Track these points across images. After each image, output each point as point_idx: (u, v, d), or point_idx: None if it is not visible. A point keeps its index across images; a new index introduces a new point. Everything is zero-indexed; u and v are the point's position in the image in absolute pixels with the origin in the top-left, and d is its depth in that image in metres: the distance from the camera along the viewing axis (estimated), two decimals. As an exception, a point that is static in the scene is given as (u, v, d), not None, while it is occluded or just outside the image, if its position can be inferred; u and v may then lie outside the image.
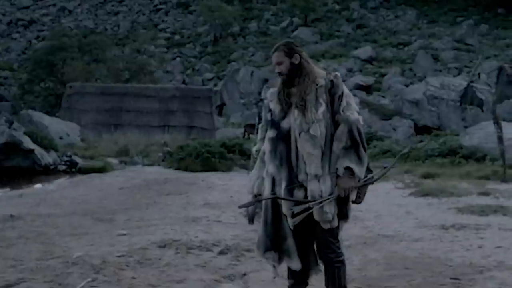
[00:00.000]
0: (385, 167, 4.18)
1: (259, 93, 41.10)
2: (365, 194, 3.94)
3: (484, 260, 5.65)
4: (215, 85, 45.62)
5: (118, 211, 9.36)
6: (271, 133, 3.91)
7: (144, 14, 72.39)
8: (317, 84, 3.82)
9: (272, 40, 57.25)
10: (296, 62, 3.85)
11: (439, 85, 31.67)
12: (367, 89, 40.32)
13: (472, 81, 31.83)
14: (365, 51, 50.13)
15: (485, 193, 11.25)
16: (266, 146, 3.95)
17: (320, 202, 3.68)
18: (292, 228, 3.82)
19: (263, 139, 4.04)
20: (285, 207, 3.80)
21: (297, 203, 3.73)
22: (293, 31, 59.42)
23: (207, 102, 30.91)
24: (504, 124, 16.51)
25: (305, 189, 3.78)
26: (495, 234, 7.02)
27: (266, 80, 41.87)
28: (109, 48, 48.94)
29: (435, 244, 6.49)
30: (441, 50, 49.22)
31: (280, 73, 3.91)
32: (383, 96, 38.72)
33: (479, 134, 20.22)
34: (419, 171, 16.34)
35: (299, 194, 3.78)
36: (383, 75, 44.24)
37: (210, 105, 31.04)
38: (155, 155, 21.30)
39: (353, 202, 3.89)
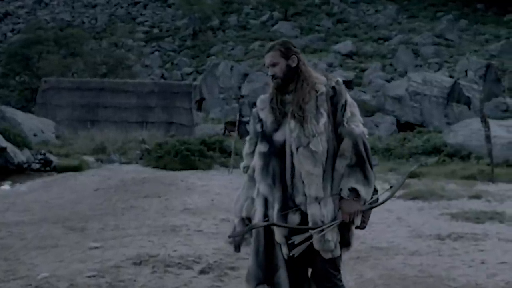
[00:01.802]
0: (391, 187, 3.67)
1: (239, 88, 40.58)
2: (369, 217, 3.43)
3: (490, 280, 5.16)
4: (194, 79, 45.02)
5: (92, 218, 8.77)
6: (262, 147, 3.32)
7: (122, 7, 71.49)
8: (317, 91, 3.24)
9: (252, 34, 56.86)
10: (293, 65, 3.28)
11: (421, 81, 31.36)
12: (348, 84, 39.89)
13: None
14: (346, 45, 49.86)
15: (476, 196, 10.88)
16: (257, 162, 3.36)
17: (322, 230, 3.14)
18: (286, 257, 3.28)
19: (252, 153, 3.45)
20: (279, 235, 3.23)
21: (296, 230, 3.18)
22: (273, 25, 58.98)
23: (186, 98, 30.33)
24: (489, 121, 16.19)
25: (301, 213, 3.21)
26: (496, 246, 6.57)
27: (246, 75, 41.35)
28: (86, 42, 48.23)
29: (433, 258, 6.01)
30: (421, 45, 49.12)
31: (273, 76, 3.31)
32: (364, 92, 38.37)
33: (464, 132, 19.94)
34: (404, 169, 15.94)
35: (294, 219, 3.21)
36: (363, 70, 44.01)
37: (189, 101, 30.47)
38: (133, 153, 20.80)
39: (357, 227, 3.38)
